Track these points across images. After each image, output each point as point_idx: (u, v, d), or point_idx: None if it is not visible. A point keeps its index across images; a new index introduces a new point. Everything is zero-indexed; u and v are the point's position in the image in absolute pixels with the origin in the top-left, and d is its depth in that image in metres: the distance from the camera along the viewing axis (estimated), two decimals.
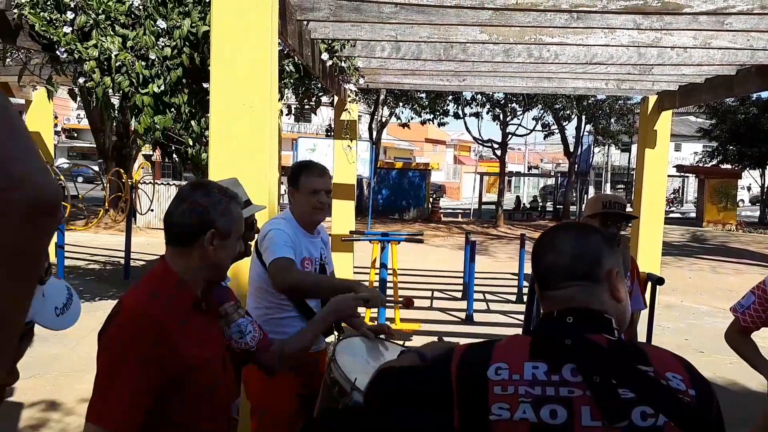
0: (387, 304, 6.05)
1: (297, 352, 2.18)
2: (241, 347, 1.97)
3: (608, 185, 38.33)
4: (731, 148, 24.56)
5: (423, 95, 21.08)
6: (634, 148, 26.13)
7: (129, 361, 1.47)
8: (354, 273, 9.01)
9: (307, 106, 7.94)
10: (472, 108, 23.09)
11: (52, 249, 8.75)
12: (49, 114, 10.60)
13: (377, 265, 6.84)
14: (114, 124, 15.28)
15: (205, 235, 1.62)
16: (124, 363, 1.47)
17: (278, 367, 2.11)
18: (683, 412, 1.11)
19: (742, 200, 34.13)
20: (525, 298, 7.60)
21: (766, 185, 26.13)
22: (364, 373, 2.27)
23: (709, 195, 23.86)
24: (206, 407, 1.63)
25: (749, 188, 30.55)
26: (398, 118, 24.98)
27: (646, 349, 1.20)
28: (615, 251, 1.27)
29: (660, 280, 4.49)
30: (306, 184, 2.71)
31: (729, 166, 25.40)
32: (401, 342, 2.74)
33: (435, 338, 1.61)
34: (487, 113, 23.18)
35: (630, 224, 3.18)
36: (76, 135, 43.10)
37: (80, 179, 20.52)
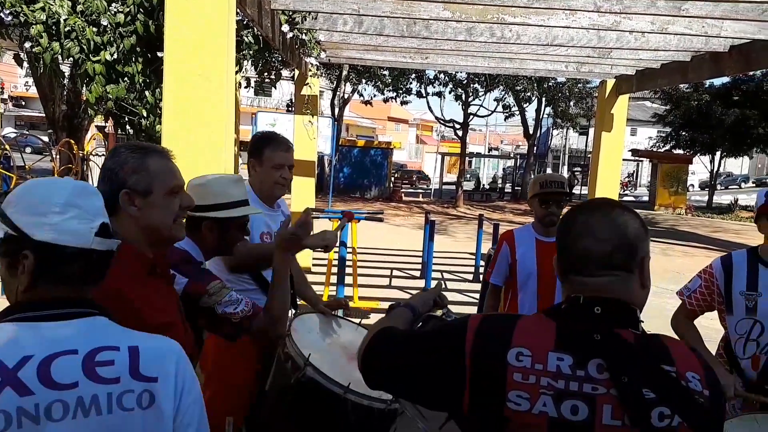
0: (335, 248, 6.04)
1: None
2: (239, 316, 1.90)
3: (565, 168, 39.07)
4: (684, 134, 25.29)
5: (386, 72, 20.95)
6: (591, 131, 26.67)
7: None
8: (313, 251, 8.97)
9: (267, 80, 7.79)
10: (434, 87, 23.12)
11: None
12: None
13: (337, 243, 6.80)
14: (64, 92, 14.68)
15: (121, 198, 1.54)
16: None
17: (272, 331, 2.01)
18: (697, 413, 1.10)
19: (692, 185, 35.31)
20: (481, 277, 7.72)
21: (714, 171, 27.07)
22: (319, 349, 2.27)
23: (662, 179, 24.59)
24: None
25: (693, 173, 31.62)
26: (361, 95, 24.83)
27: (669, 346, 1.17)
28: (648, 237, 1.23)
29: None
30: (270, 157, 2.64)
31: (681, 152, 26.19)
32: (357, 321, 2.73)
33: (392, 302, 1.56)
34: (450, 93, 23.27)
35: (570, 201, 3.21)
36: (24, 103, 41.34)
37: (28, 150, 19.72)
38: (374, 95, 24.02)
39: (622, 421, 1.08)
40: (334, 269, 6.75)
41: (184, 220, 1.67)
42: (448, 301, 1.63)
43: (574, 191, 26.96)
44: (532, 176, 26.77)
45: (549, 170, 38.32)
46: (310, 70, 7.78)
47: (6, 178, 7.08)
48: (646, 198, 27.77)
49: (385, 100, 24.06)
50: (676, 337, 2.67)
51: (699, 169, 31.94)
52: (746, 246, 2.63)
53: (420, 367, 1.21)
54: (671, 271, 10.38)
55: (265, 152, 2.65)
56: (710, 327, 2.72)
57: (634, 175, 41.38)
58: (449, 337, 1.22)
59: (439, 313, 1.58)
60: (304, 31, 5.87)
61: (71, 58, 4.43)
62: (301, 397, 2.11)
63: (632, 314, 1.18)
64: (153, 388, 1.00)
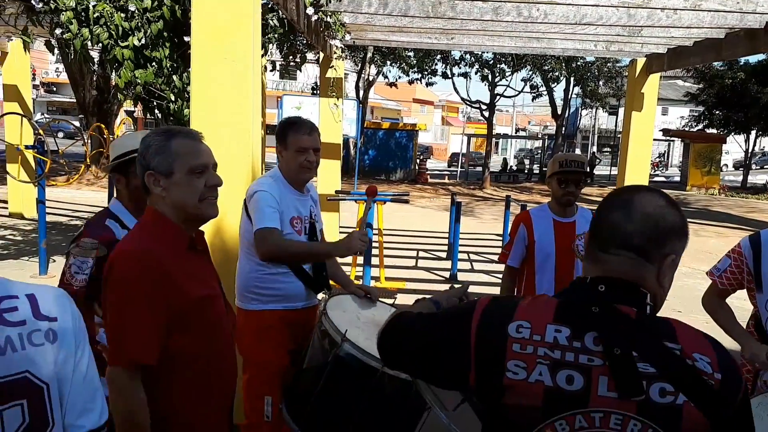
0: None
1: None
2: (66, 281, 2.03)
3: (594, 148, 38.46)
4: (717, 113, 24.65)
5: (411, 54, 20.78)
6: (621, 111, 26.13)
7: (136, 300, 1.54)
8: (339, 233, 9.03)
9: (292, 63, 7.79)
10: (460, 68, 22.86)
11: (33, 204, 8.65)
12: (27, 66, 10.32)
13: (363, 224, 6.84)
14: (94, 78, 14.93)
15: (147, 177, 1.66)
16: (131, 303, 1.54)
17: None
18: (705, 395, 1.08)
19: (726, 165, 34.47)
20: None
21: (749, 150, 26.36)
22: (355, 326, 2.31)
23: (694, 159, 24.05)
24: (215, 344, 1.69)
25: (727, 152, 30.83)
26: (386, 77, 24.67)
27: (675, 326, 1.16)
28: (683, 240, 1.19)
29: None
30: (294, 141, 2.65)
31: (714, 131, 25.55)
32: (391, 301, 2.75)
33: (420, 296, 1.60)
34: (476, 74, 22.98)
35: (590, 182, 3.14)
36: (55, 89, 42.12)
37: (60, 134, 20.16)
38: (399, 77, 23.86)
39: (618, 393, 1.09)
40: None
41: (215, 199, 1.71)
42: (468, 291, 1.64)
43: (595, 171, 26.60)
44: None
45: (578, 151, 37.79)
46: (335, 53, 7.76)
47: (41, 162, 7.24)
48: (677, 178, 27.21)
49: (410, 82, 23.90)
50: (707, 316, 2.66)
51: (733, 148, 31.13)
52: None
53: (430, 346, 1.25)
54: (704, 251, 10.19)
55: (289, 136, 2.66)
56: (739, 307, 2.69)
57: (666, 155, 40.51)
58: (458, 316, 1.25)
59: None
60: (329, 13, 5.85)
61: (100, 44, 4.50)
62: (338, 373, 2.15)
63: (639, 295, 1.16)
64: (54, 326, 1.12)
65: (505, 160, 31.11)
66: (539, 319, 1.16)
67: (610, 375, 1.09)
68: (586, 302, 1.16)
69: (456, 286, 1.70)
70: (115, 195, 2.29)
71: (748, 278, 2.51)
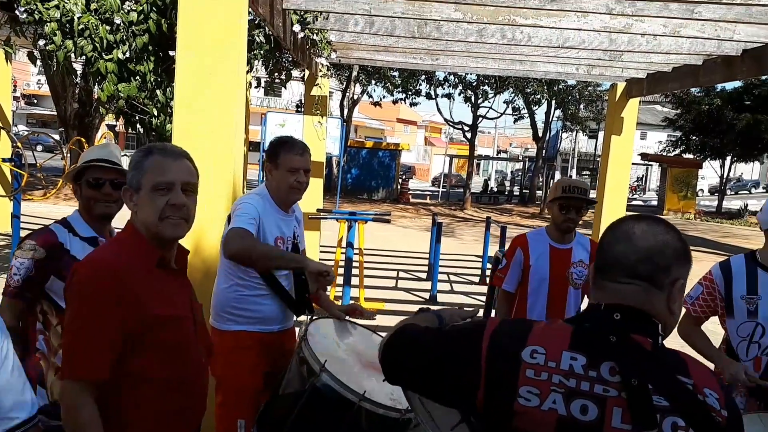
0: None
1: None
2: (7, 282, 2.05)
3: (574, 171, 38.89)
4: (694, 138, 25.15)
5: (396, 74, 20.96)
6: (601, 135, 26.53)
7: (90, 313, 1.49)
8: (320, 251, 8.98)
9: (277, 80, 7.81)
10: (444, 89, 23.10)
11: (7, 219, 8.47)
12: (8, 77, 10.18)
13: (344, 244, 6.82)
14: (76, 91, 14.80)
15: (125, 193, 1.66)
16: (85, 316, 1.50)
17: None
18: (713, 431, 1.08)
19: (702, 190, 35.08)
20: (488, 279, 7.69)
21: (725, 176, 26.88)
22: (335, 355, 2.27)
23: (671, 184, 24.46)
24: (178, 366, 1.62)
25: (703, 178, 31.41)
26: (370, 96, 24.84)
27: (686, 360, 1.17)
28: (687, 263, 1.21)
29: None
30: (285, 161, 2.62)
31: (691, 156, 26.04)
32: (372, 327, 2.72)
33: (400, 317, 1.58)
34: (459, 95, 23.23)
35: (591, 209, 3.12)
36: (36, 101, 41.64)
37: (39, 148, 19.87)
38: (383, 96, 24.05)
39: (632, 426, 1.07)
40: (341, 270, 6.75)
41: (178, 220, 1.64)
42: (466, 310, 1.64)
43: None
44: (540, 180, 26.78)
45: (557, 174, 38.21)
46: (321, 71, 7.80)
47: (17, 176, 7.12)
48: (654, 202, 27.62)
49: (395, 102, 24.07)
50: (685, 344, 2.68)
51: (709, 173, 31.74)
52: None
53: (438, 362, 1.23)
54: None
55: (281, 156, 2.63)
56: (713, 331, 2.74)
57: (644, 179, 41.15)
58: (468, 334, 1.23)
59: None
60: (315, 31, 5.88)
61: (84, 57, 4.46)
62: (314, 403, 2.11)
63: (652, 326, 1.17)
64: None
65: (486, 181, 31.37)
66: (554, 345, 1.14)
67: (625, 407, 1.08)
68: (602, 330, 1.15)
69: (466, 308, 1.68)
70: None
71: (721, 305, 2.57)
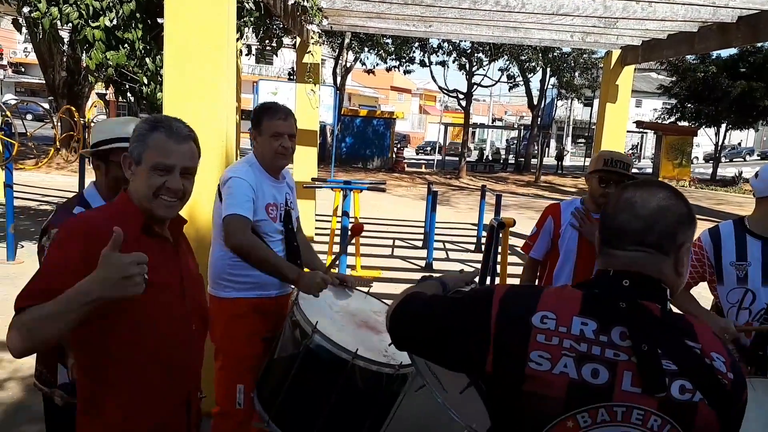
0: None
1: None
2: None
3: (569, 139, 38.87)
4: (689, 105, 25.07)
5: (389, 41, 20.69)
6: (596, 102, 26.42)
7: (57, 252, 1.52)
8: (316, 220, 9.00)
9: (268, 48, 7.70)
10: (438, 56, 22.86)
11: (0, 188, 8.43)
12: None
13: (339, 213, 6.83)
14: (64, 59, 14.56)
15: (125, 162, 1.67)
16: (52, 253, 1.54)
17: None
18: (719, 394, 1.11)
19: (696, 157, 35.13)
20: (483, 247, 7.74)
21: (719, 143, 26.89)
22: (327, 317, 2.30)
23: (666, 151, 24.46)
24: (161, 333, 1.61)
25: (698, 145, 31.39)
26: (363, 63, 24.56)
27: (694, 325, 1.19)
28: (692, 227, 1.22)
29: None
30: (268, 126, 2.60)
31: (686, 124, 25.99)
32: (366, 290, 2.74)
33: (397, 285, 1.60)
34: (453, 62, 22.98)
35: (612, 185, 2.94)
36: (23, 70, 40.98)
37: (29, 117, 19.63)
38: (377, 64, 23.77)
39: (642, 389, 1.10)
40: (337, 239, 6.78)
41: (172, 202, 1.65)
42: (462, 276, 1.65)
43: (565, 163, 26.84)
44: (536, 148, 26.71)
45: (553, 142, 38.11)
46: (312, 38, 7.69)
47: (8, 145, 7.06)
48: (649, 170, 27.67)
49: (388, 69, 23.82)
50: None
51: (704, 141, 31.75)
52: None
53: (446, 327, 1.24)
54: None
55: (264, 121, 2.62)
56: (705, 297, 2.77)
57: (638, 146, 41.13)
58: (476, 300, 1.25)
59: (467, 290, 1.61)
60: None
61: (70, 24, 4.38)
62: (309, 364, 2.14)
63: (661, 291, 1.19)
64: None
65: (481, 150, 31.25)
66: (565, 310, 1.16)
67: (634, 370, 1.11)
68: (613, 296, 1.17)
69: (467, 269, 1.69)
70: (93, 179, 2.25)
71: (710, 271, 2.59)
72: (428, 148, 37.70)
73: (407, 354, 1.63)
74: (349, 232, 2.92)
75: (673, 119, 26.44)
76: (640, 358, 1.10)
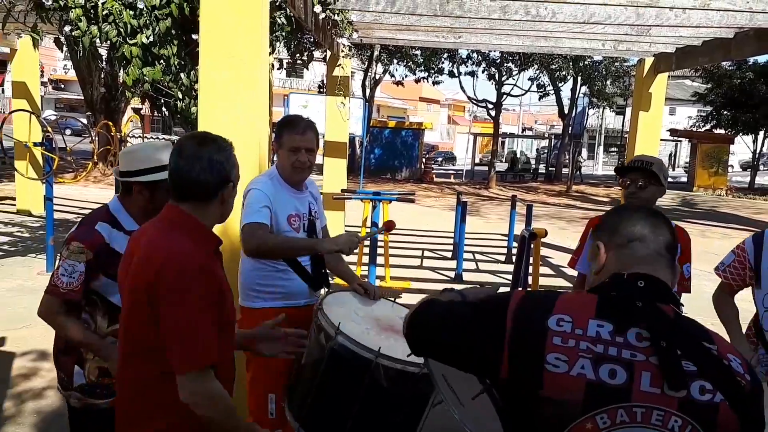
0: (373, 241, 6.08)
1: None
2: (53, 282, 2.07)
3: (601, 148, 38.29)
4: (725, 113, 24.49)
5: (418, 52, 20.75)
6: (628, 111, 26.00)
7: (196, 306, 1.54)
8: (345, 232, 9.03)
9: (299, 61, 7.80)
10: (467, 67, 22.79)
11: (40, 201, 8.69)
12: (35, 63, 10.36)
13: (368, 224, 6.84)
14: (102, 75, 14.98)
15: (225, 189, 1.70)
16: (192, 309, 1.54)
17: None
18: (739, 395, 1.11)
19: (732, 165, 34.27)
20: (514, 258, 7.67)
21: (757, 151, 26.19)
22: (351, 320, 2.31)
23: (701, 160, 23.91)
24: (230, 341, 1.75)
25: (734, 153, 30.62)
26: (392, 75, 24.65)
27: (707, 329, 1.21)
28: (677, 243, 1.34)
29: None
30: (287, 141, 2.64)
31: (722, 132, 25.39)
32: (392, 299, 2.75)
33: (424, 296, 1.60)
34: (483, 72, 22.91)
35: (654, 185, 2.61)
36: (63, 86, 42.28)
37: (68, 132, 20.23)
38: (406, 75, 23.84)
39: (661, 389, 1.09)
40: (366, 249, 6.80)
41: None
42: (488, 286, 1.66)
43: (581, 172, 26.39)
44: (567, 157, 26.40)
45: (584, 151, 37.56)
46: (342, 51, 7.77)
47: (49, 160, 7.28)
48: (684, 179, 27.08)
49: (417, 81, 23.85)
50: (717, 318, 2.69)
51: (740, 149, 30.95)
52: None
53: (462, 331, 1.25)
54: (710, 253, 10.13)
55: (283, 135, 2.66)
56: (745, 309, 2.72)
57: (673, 155, 40.28)
58: (493, 305, 1.26)
59: None
60: (337, 11, 5.85)
61: (109, 42, 4.51)
62: (334, 366, 2.15)
63: (673, 296, 1.22)
64: None
65: (513, 158, 30.98)
66: (581, 313, 1.17)
67: (653, 371, 1.11)
68: (628, 297, 1.18)
69: (488, 286, 1.69)
70: (117, 193, 2.27)
71: (750, 274, 2.59)
72: (439, 159, 36.90)
73: (425, 364, 1.65)
74: (381, 226, 2.98)
75: (708, 127, 25.85)
76: (660, 355, 1.10)
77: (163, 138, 16.74)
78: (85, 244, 2.08)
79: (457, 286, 1.62)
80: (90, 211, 2.32)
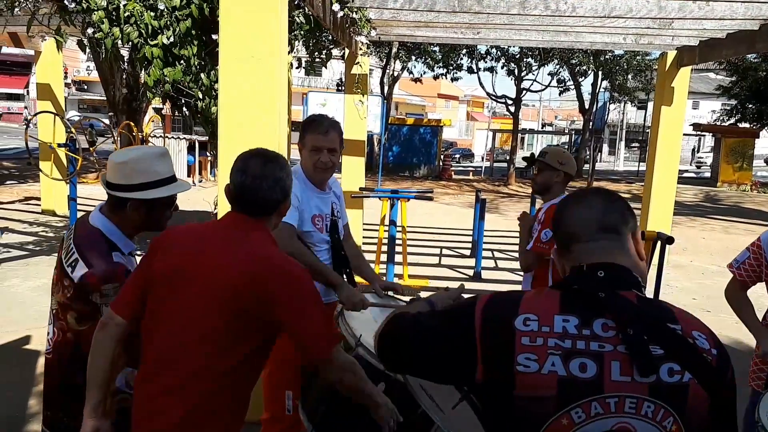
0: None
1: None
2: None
3: (623, 143, 37.85)
4: (750, 106, 24.03)
5: (436, 49, 20.68)
6: (650, 105, 25.64)
7: (314, 298, 1.75)
8: (363, 230, 9.06)
9: (317, 60, 7.83)
10: (486, 62, 22.67)
11: (64, 201, 8.83)
12: (59, 65, 10.54)
13: (386, 222, 6.85)
14: (124, 76, 15.16)
15: (285, 203, 1.81)
16: (312, 301, 1.74)
17: None
18: (706, 371, 1.13)
19: (758, 160, 33.61)
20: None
21: None
22: (370, 330, 2.31)
23: (725, 154, 23.49)
24: None
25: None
26: (410, 72, 24.61)
27: (671, 307, 1.22)
28: (634, 216, 1.31)
29: (669, 240, 4.45)
30: (309, 140, 2.64)
31: (747, 125, 24.91)
32: (408, 299, 2.74)
33: (416, 297, 1.61)
34: (502, 68, 22.76)
35: (534, 169, 3.37)
36: (86, 87, 42.92)
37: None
38: (424, 72, 23.78)
39: (631, 377, 1.11)
40: (384, 248, 6.80)
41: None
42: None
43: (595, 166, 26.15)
44: (588, 153, 26.15)
45: (605, 147, 37.19)
46: (361, 49, 7.77)
47: (73, 160, 7.40)
48: (707, 174, 26.64)
49: (435, 77, 23.76)
50: (735, 317, 2.66)
51: (764, 143, 30.35)
52: None
53: (431, 343, 1.25)
54: (735, 249, 9.96)
55: (307, 135, 2.66)
56: (761, 302, 2.68)
57: (696, 150, 39.63)
58: (459, 316, 1.26)
59: None
60: (355, 9, 5.86)
61: (130, 43, 4.57)
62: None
63: (635, 279, 1.22)
64: None
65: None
66: (545, 310, 1.18)
67: (622, 359, 1.12)
68: (590, 289, 1.19)
69: (452, 287, 1.70)
70: (107, 213, 2.03)
71: (766, 271, 2.56)
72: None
73: (400, 375, 1.73)
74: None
75: (732, 121, 25.39)
76: (627, 343, 1.11)
77: (183, 138, 16.91)
78: (119, 280, 1.92)
79: (474, 285, 1.61)
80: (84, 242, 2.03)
